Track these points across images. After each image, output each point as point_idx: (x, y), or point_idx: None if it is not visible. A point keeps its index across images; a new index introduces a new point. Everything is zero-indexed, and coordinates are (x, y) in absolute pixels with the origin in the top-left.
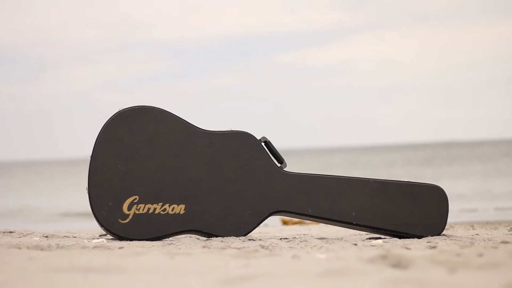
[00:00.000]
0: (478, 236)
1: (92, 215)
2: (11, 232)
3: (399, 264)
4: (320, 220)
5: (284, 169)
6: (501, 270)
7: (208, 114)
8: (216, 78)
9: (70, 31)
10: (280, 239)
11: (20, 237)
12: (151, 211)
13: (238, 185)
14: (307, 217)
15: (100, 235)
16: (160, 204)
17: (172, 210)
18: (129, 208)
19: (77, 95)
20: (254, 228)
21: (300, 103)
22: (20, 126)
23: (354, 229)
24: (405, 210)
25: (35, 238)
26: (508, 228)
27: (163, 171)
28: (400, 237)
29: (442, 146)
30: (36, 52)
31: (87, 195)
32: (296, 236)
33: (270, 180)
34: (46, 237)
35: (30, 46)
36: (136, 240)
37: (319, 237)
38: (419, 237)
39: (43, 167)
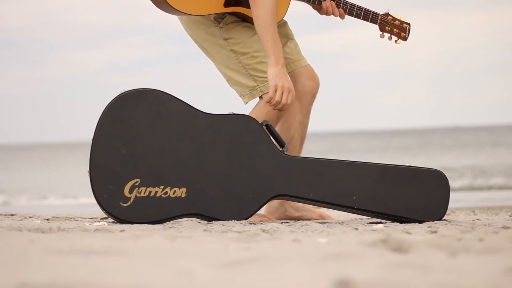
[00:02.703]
0: (479, 221)
1: (93, 198)
2: (12, 215)
3: (399, 248)
4: (321, 204)
5: (285, 152)
6: (502, 255)
7: (211, 98)
8: None
9: (75, 14)
10: (281, 223)
11: (21, 220)
12: (152, 194)
13: (240, 169)
14: (309, 201)
15: (101, 218)
16: (162, 187)
17: (174, 194)
18: (131, 191)
19: (82, 78)
20: (255, 212)
21: None
22: (25, 108)
23: (355, 213)
24: (406, 194)
25: (36, 221)
26: (510, 213)
27: (165, 154)
28: (401, 222)
29: (440, 132)
30: (41, 35)
31: (88, 177)
32: (297, 220)
33: (271, 163)
34: (47, 220)
35: (34, 30)
36: (137, 223)
37: (320, 221)
38: (420, 221)
39: (48, 151)
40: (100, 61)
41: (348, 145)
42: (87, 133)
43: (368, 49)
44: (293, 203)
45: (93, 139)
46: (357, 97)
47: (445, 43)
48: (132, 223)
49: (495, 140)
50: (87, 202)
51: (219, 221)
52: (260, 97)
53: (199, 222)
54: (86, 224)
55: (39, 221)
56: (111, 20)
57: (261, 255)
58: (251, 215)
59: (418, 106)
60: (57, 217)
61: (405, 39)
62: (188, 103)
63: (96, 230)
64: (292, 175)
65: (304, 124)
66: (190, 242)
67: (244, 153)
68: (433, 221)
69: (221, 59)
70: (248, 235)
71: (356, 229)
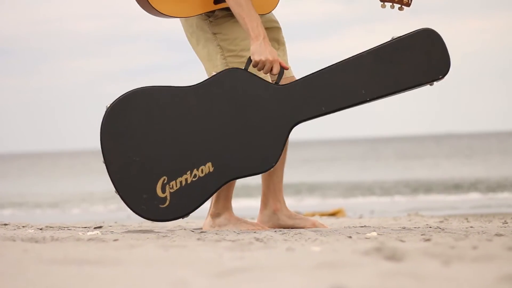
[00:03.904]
0: (472, 228)
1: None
2: (5, 224)
3: (393, 256)
4: (337, 111)
5: (280, 83)
6: (496, 263)
7: None
8: None
9: (70, 22)
10: (275, 231)
11: (15, 229)
12: (183, 183)
13: (249, 119)
14: (324, 115)
15: (94, 228)
16: (188, 172)
17: (202, 173)
18: (163, 191)
19: (77, 87)
20: (282, 151)
21: None
22: (21, 117)
23: (371, 102)
24: (407, 64)
25: (30, 231)
26: (503, 220)
27: (175, 142)
28: (414, 88)
29: (437, 139)
30: (37, 44)
31: (119, 198)
32: (291, 229)
33: (274, 100)
34: (40, 229)
35: (30, 38)
36: (186, 215)
37: (313, 229)
38: (433, 81)
39: (44, 159)
40: (96, 70)
41: (344, 153)
42: (84, 142)
43: None
44: (285, 211)
45: (105, 163)
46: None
47: None
48: (183, 217)
49: (494, 147)
50: (81, 211)
51: (213, 231)
52: None
53: (193, 231)
54: (79, 233)
55: (33, 230)
56: (104, 29)
57: (255, 264)
58: (280, 156)
59: (416, 113)
60: (51, 227)
61: (408, 5)
62: (172, 84)
63: (89, 239)
64: (297, 101)
65: None
66: (184, 251)
67: (246, 102)
68: (443, 76)
69: (205, 53)
70: (242, 244)
71: (350, 237)
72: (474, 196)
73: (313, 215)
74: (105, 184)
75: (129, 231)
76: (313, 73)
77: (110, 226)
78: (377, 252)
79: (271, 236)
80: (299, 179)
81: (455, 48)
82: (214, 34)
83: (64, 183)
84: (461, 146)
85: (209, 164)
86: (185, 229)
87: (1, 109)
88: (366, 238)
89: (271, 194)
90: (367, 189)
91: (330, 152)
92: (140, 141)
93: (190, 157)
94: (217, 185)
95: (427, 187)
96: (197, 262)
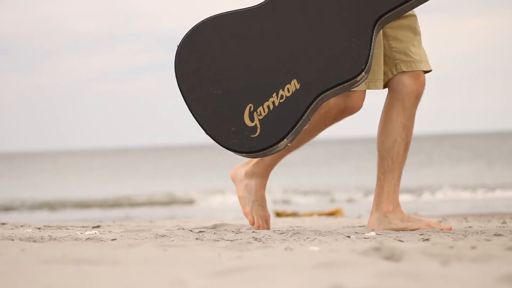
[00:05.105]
0: (471, 228)
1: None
2: (3, 224)
3: (392, 256)
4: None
5: None
6: (494, 263)
7: None
8: None
9: (72, 20)
10: (273, 231)
11: (13, 229)
12: (271, 107)
13: (324, 26)
14: (409, 3)
15: (93, 227)
16: (274, 94)
17: (289, 92)
18: (252, 119)
19: (79, 84)
20: (370, 51)
21: None
22: (23, 116)
23: None
24: None
25: (28, 230)
26: (501, 220)
27: (254, 66)
28: None
29: (436, 138)
30: (38, 42)
31: (209, 138)
32: (289, 228)
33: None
34: (38, 228)
35: (32, 36)
36: (281, 141)
37: (312, 229)
38: None
39: (45, 159)
40: (98, 68)
41: (346, 152)
42: (85, 141)
43: None
44: (398, 213)
45: (187, 103)
46: None
47: (442, 49)
48: (277, 144)
49: (493, 146)
50: (80, 210)
51: (211, 230)
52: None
53: (191, 231)
54: (77, 233)
55: (31, 230)
56: (106, 27)
57: (253, 263)
58: (369, 56)
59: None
60: (49, 226)
61: None
62: (235, 9)
63: (87, 239)
64: None
65: (408, 128)
66: (182, 250)
67: (319, 7)
68: None
69: None
70: (240, 243)
71: (348, 237)
72: (473, 195)
73: (311, 215)
74: (105, 183)
75: (127, 231)
76: None
77: (108, 225)
78: (376, 252)
79: (270, 236)
80: (297, 178)
81: (455, 47)
82: None
83: (63, 182)
84: (460, 145)
85: (294, 82)
86: (183, 229)
87: (3, 107)
88: (365, 238)
89: (385, 196)
90: (366, 189)
91: (328, 151)
92: (217, 72)
93: (272, 78)
94: (307, 101)
95: (426, 187)
96: (195, 262)
